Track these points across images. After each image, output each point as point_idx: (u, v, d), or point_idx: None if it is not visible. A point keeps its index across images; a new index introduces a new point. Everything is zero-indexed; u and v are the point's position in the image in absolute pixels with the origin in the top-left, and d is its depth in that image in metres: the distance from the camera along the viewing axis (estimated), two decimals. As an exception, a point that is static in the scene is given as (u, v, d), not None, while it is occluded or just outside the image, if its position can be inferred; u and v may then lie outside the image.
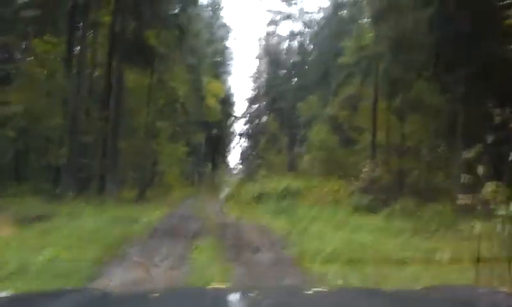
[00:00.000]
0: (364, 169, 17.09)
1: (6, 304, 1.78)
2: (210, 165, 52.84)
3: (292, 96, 44.05)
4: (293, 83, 48.92)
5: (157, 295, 2.02)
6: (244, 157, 56.66)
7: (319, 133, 28.71)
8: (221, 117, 44.49)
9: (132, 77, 25.28)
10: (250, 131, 54.87)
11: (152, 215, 14.17)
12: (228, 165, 58.49)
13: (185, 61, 27.26)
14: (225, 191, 37.39)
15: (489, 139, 6.94)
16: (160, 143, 25.84)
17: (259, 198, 22.47)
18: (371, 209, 15.25)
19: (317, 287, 2.34)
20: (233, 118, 53.61)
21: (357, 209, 15.38)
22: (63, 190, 18.67)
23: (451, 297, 1.95)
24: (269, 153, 34.11)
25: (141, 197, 22.45)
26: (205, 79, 32.86)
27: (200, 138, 36.55)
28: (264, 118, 51.90)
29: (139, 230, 10.69)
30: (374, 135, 21.34)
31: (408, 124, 21.04)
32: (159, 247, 8.69)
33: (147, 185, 23.08)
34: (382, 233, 10.71)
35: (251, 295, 1.90)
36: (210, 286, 3.03)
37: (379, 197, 16.02)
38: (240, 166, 55.00)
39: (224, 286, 3.28)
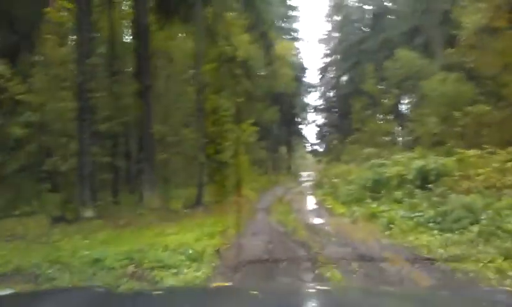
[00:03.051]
0: None
1: (9, 301, 1.76)
2: (284, 148, 44.84)
3: (377, 56, 34.77)
4: (375, 40, 38.85)
5: (160, 293, 2.00)
6: (322, 135, 48.15)
7: (440, 86, 19.84)
8: (295, 88, 36.23)
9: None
10: (330, 103, 46.28)
11: (192, 254, 6.70)
12: (305, 147, 50.30)
13: (243, 7, 19.49)
14: (313, 181, 29.43)
15: None
16: (220, 123, 18.41)
17: (375, 188, 14.33)
18: None
19: (320, 285, 1.97)
20: (306, 89, 45.00)
21: None
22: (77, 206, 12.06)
23: (454, 296, 1.87)
24: (366, 125, 25.36)
25: (197, 203, 15.25)
26: (272, 34, 24.56)
27: (271, 115, 28.48)
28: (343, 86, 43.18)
29: None
30: None
31: None
32: None
33: (203, 183, 15.74)
34: None
35: (254, 293, 1.83)
36: (212, 285, 3.17)
37: None
38: (321, 147, 46.69)
39: (226, 284, 3.29)
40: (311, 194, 24.17)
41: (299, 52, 43.42)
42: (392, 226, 9.29)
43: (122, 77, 15.87)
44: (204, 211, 14.02)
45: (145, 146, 14.44)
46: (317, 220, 12.56)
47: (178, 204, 14.02)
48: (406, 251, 7.28)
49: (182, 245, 7.30)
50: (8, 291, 1.91)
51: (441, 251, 6.95)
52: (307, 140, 48.70)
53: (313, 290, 1.87)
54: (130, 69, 16.86)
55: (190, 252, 6.74)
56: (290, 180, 37.86)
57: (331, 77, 46.53)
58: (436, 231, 8.01)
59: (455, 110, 18.16)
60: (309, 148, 50.22)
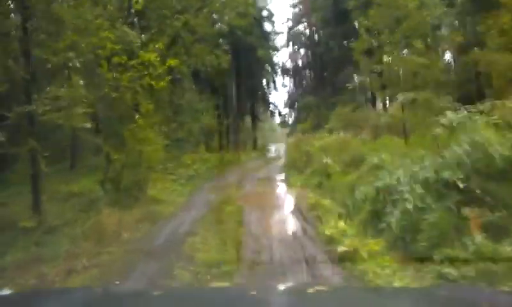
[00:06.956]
0: None
1: (9, 301, 1.71)
2: (247, 118, 34.91)
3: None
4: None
5: (159, 293, 1.96)
6: (293, 101, 38.41)
7: None
8: (257, 32, 26.11)
9: None
10: (303, 62, 36.59)
11: None
12: (274, 116, 40.61)
13: None
14: (286, 158, 19.54)
15: None
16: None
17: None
18: None
19: (318, 286, 1.86)
20: (273, 43, 34.49)
21: None
22: None
23: (452, 296, 1.80)
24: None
25: None
26: None
27: (217, 60, 18.00)
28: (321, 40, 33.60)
29: None
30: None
31: None
32: None
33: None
34: None
35: (253, 293, 1.81)
36: (211, 285, 3.17)
37: None
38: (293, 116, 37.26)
39: (225, 285, 3.20)
40: (283, 183, 14.75)
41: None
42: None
43: None
44: None
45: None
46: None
47: None
48: None
49: None
50: (8, 291, 1.88)
51: None
52: (276, 108, 38.82)
53: (313, 290, 1.76)
54: None
55: None
56: (254, 157, 28.28)
57: (304, 30, 36.70)
58: None
59: None
60: (279, 118, 40.55)
